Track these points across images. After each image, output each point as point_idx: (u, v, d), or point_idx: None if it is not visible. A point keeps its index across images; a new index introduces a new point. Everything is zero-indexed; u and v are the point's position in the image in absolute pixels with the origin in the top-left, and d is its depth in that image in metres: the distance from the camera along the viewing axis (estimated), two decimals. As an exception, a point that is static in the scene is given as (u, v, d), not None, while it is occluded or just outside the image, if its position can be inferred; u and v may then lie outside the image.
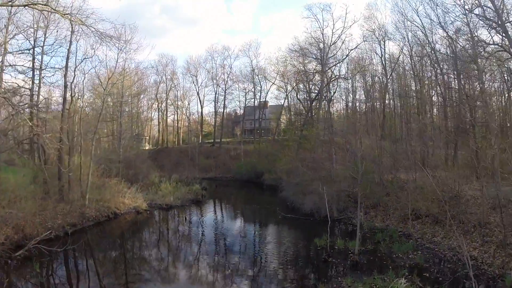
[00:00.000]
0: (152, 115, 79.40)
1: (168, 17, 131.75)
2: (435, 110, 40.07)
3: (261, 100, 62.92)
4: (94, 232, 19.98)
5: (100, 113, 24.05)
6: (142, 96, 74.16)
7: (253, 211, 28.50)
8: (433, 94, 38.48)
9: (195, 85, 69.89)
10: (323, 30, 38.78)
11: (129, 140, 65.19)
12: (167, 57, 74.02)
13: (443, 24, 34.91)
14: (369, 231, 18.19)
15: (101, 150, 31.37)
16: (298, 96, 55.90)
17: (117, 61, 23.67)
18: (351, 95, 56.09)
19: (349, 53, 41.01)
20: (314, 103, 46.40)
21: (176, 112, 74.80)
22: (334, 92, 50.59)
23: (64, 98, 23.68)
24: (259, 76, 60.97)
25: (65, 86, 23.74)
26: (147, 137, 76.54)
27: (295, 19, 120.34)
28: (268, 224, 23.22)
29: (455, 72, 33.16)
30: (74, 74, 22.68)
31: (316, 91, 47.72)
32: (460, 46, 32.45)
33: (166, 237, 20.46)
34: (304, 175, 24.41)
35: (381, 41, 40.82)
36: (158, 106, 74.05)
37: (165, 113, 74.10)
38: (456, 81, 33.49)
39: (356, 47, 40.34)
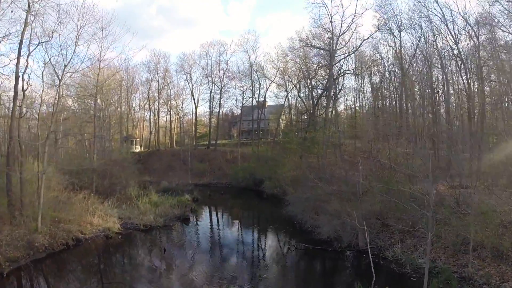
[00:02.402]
0: (144, 115, 74.84)
1: (164, 18, 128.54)
2: (456, 109, 35.66)
3: (259, 99, 58.15)
4: (41, 270, 15.01)
5: (54, 110, 19.03)
6: (134, 95, 69.84)
7: (253, 233, 23.23)
8: (451, 91, 33.85)
9: (189, 83, 65.19)
10: (331, 17, 34.04)
11: (120, 142, 60.94)
12: (160, 53, 68.68)
13: (463, 14, 30.80)
14: (412, 271, 13.46)
15: (69, 156, 26.36)
16: (300, 95, 51.43)
17: (76, 44, 18.62)
18: (358, 93, 51.99)
19: (362, 43, 36.36)
20: (319, 100, 41.81)
21: (169, 112, 69.95)
22: (340, 90, 46.18)
23: (15, 92, 18.74)
24: (257, 73, 56.17)
25: (17, 77, 18.79)
26: (138, 139, 71.66)
27: (292, 19, 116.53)
28: (273, 257, 17.66)
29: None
30: (27, 62, 17.79)
31: (321, 89, 43.20)
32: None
33: (133, 281, 14.52)
34: (316, 189, 19.63)
35: (396, 32, 36.27)
36: (150, 105, 69.26)
37: (157, 113, 69.24)
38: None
39: (370, 37, 35.69)
